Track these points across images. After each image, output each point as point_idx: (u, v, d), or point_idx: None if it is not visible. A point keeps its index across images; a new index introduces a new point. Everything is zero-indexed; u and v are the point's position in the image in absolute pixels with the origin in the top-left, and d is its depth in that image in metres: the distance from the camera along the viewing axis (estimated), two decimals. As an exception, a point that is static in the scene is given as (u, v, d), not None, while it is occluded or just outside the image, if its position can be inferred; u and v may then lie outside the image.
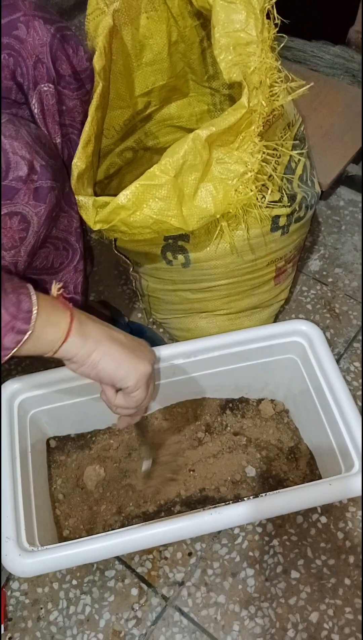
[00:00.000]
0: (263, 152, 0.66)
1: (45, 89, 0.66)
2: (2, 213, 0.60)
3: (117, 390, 0.64)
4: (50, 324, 0.54)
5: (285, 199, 0.77)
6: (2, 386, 0.76)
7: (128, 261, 0.89)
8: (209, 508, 0.65)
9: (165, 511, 0.83)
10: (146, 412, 0.69)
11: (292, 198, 0.78)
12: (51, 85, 0.66)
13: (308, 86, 0.68)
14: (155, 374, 0.65)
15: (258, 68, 0.65)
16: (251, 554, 0.83)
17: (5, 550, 0.64)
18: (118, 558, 0.83)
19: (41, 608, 0.81)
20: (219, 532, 0.84)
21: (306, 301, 1.10)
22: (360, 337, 1.04)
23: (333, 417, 0.74)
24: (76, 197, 0.67)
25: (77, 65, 0.68)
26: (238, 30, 0.66)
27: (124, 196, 0.62)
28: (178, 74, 0.90)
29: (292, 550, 0.83)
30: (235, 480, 0.85)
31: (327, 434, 0.76)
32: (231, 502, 0.66)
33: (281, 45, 0.71)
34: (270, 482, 0.84)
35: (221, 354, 0.80)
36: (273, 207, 0.75)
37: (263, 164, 0.67)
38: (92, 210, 0.66)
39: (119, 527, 0.80)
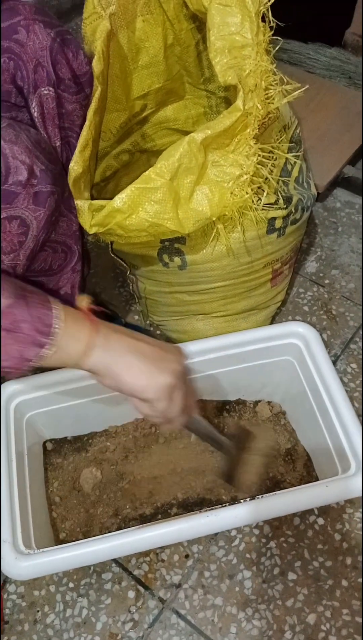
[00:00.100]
0: (259, 155, 0.66)
1: (45, 92, 0.66)
2: (1, 217, 0.60)
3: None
4: (73, 337, 0.55)
5: (281, 201, 0.77)
6: (-1, 389, 0.76)
7: (125, 265, 0.90)
8: (206, 510, 0.65)
9: (162, 513, 0.83)
10: (189, 416, 0.68)
11: (288, 200, 0.78)
12: (50, 88, 0.66)
13: (303, 89, 0.68)
14: (186, 384, 0.64)
15: (253, 71, 0.65)
16: (248, 555, 0.83)
17: (1, 553, 0.63)
18: (115, 560, 0.83)
19: (38, 611, 0.81)
20: (216, 534, 0.84)
21: (303, 303, 1.10)
22: (357, 339, 1.04)
23: (330, 418, 0.74)
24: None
25: (77, 69, 0.68)
26: (233, 33, 0.66)
27: (119, 199, 0.62)
28: (174, 76, 0.91)
29: (289, 552, 0.83)
30: (232, 482, 0.85)
31: (324, 436, 0.76)
32: (228, 504, 0.66)
33: (277, 48, 0.72)
34: (267, 483, 0.84)
35: (218, 356, 0.80)
36: (269, 210, 0.75)
37: (259, 166, 0.67)
38: (88, 213, 0.66)
39: (115, 530, 0.80)
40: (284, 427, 0.90)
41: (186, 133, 0.66)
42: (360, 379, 0.99)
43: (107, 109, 0.84)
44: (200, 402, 0.92)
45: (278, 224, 0.79)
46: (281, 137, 0.77)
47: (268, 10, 0.67)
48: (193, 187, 0.65)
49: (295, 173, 0.82)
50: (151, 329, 1.07)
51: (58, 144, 0.69)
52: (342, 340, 1.04)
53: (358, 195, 1.24)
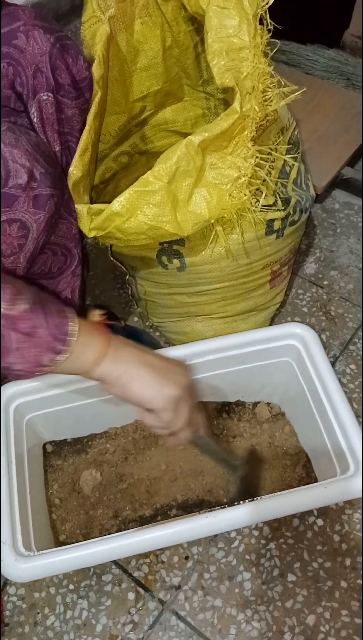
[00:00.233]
0: (257, 157, 0.67)
1: (44, 98, 0.66)
2: (1, 220, 0.61)
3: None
4: (86, 346, 0.57)
5: (279, 202, 0.77)
6: (-2, 391, 0.76)
7: (124, 268, 0.90)
8: (206, 512, 0.65)
9: (161, 515, 0.83)
10: (195, 432, 0.69)
11: (286, 202, 0.79)
12: (50, 94, 0.66)
13: (301, 91, 0.68)
14: (192, 398, 0.65)
15: (251, 73, 0.65)
16: (247, 557, 0.83)
17: (1, 555, 0.64)
18: (115, 562, 0.83)
19: (38, 613, 0.81)
20: (215, 535, 0.85)
21: (301, 304, 1.10)
22: (356, 340, 1.04)
23: (328, 419, 0.74)
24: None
25: (76, 75, 0.68)
26: (230, 36, 0.66)
27: (118, 203, 0.63)
28: (172, 78, 0.91)
29: (289, 553, 0.83)
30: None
31: (323, 437, 0.76)
32: (227, 505, 0.66)
33: (275, 50, 0.72)
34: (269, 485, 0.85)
35: (217, 357, 0.80)
36: (267, 211, 0.75)
37: (257, 168, 0.68)
38: (87, 217, 0.66)
39: (115, 532, 0.80)
40: (283, 428, 0.90)
41: (185, 135, 0.66)
42: (359, 380, 0.99)
43: (107, 111, 0.84)
44: (200, 404, 0.92)
45: (276, 225, 0.79)
46: (279, 138, 0.77)
47: (265, 12, 0.67)
48: (191, 190, 0.65)
49: (293, 174, 0.82)
50: (151, 330, 1.07)
51: (58, 149, 0.69)
52: (341, 341, 1.05)
53: (357, 197, 1.25)
